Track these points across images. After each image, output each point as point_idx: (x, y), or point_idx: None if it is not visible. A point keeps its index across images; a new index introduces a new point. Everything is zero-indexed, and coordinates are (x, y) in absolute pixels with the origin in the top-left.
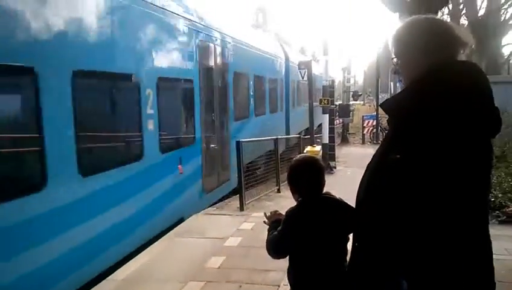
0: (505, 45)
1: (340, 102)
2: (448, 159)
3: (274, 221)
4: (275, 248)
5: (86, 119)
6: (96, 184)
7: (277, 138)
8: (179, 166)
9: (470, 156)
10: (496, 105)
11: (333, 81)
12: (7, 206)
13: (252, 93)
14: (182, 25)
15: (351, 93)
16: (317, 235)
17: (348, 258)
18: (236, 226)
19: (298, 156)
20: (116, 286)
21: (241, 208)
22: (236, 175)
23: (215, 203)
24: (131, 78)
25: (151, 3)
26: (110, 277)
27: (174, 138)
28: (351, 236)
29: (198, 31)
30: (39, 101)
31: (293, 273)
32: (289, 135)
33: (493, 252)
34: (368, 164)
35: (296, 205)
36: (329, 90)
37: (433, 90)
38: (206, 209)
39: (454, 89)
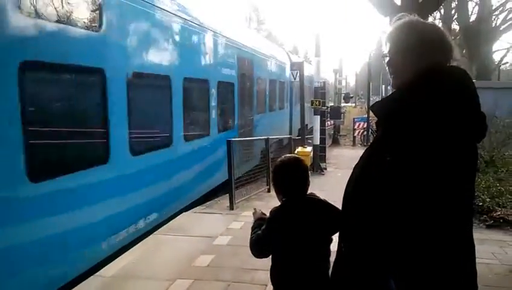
0: (495, 51)
1: (332, 104)
2: (436, 163)
3: (259, 219)
4: (258, 247)
5: (189, 109)
6: (190, 147)
7: (267, 138)
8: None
9: (457, 160)
10: (483, 111)
11: (325, 83)
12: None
13: (267, 93)
14: (231, 46)
15: (343, 95)
16: (300, 236)
17: (330, 259)
18: (226, 225)
19: (282, 156)
20: (105, 283)
21: (231, 207)
22: (260, 154)
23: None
24: (207, 82)
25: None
26: (98, 273)
27: (224, 123)
28: (334, 237)
29: (239, 48)
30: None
31: (275, 274)
32: (292, 127)
33: (480, 256)
34: (355, 166)
35: (279, 205)
36: (320, 92)
37: (424, 94)
38: (195, 208)
39: (444, 93)
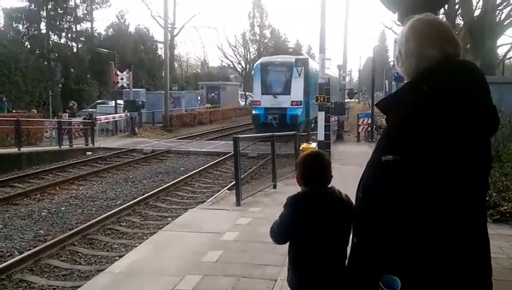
0: (499, 46)
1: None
2: (450, 159)
3: None
4: (275, 232)
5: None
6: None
7: (273, 135)
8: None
9: (473, 155)
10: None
11: (329, 79)
12: None
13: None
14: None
15: (346, 91)
16: (315, 224)
17: (345, 256)
18: (233, 221)
19: (309, 151)
20: (113, 279)
21: (238, 203)
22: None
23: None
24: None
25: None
26: (107, 269)
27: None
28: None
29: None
30: None
31: (291, 267)
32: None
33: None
34: (368, 162)
35: (298, 192)
36: (325, 88)
37: (434, 89)
38: (202, 204)
39: (456, 88)
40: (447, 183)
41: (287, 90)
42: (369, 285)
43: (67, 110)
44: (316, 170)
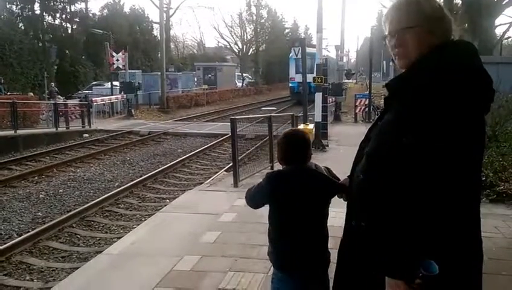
0: (497, 26)
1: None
2: (463, 137)
3: None
4: (250, 196)
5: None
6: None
7: (270, 116)
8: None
9: (479, 133)
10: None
11: (327, 60)
12: None
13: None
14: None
15: (344, 71)
16: (290, 202)
17: (325, 231)
18: (231, 202)
19: (289, 129)
20: (112, 260)
21: (235, 185)
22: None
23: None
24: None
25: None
26: (105, 251)
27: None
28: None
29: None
30: None
31: (270, 241)
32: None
33: (484, 230)
34: (361, 143)
35: (278, 169)
36: (322, 69)
37: (446, 68)
38: (200, 186)
39: (465, 67)
40: (460, 162)
41: (311, 70)
42: (409, 270)
43: (47, 92)
44: (294, 148)
